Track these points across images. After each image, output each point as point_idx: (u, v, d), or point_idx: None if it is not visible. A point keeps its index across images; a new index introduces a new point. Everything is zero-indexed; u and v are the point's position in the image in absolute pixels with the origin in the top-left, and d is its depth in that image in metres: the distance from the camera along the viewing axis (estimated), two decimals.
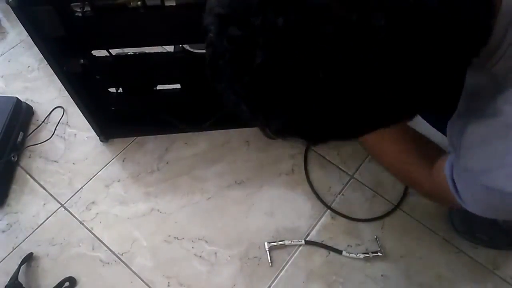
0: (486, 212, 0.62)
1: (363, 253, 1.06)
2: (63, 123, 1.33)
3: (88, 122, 1.17)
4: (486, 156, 0.54)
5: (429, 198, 0.86)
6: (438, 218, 1.11)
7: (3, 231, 1.14)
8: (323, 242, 1.09)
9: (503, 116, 0.49)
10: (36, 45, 0.87)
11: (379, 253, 1.06)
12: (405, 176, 0.85)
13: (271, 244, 1.08)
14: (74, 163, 1.25)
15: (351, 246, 1.08)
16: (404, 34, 0.38)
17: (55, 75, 0.98)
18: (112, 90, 1.16)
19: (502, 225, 1.04)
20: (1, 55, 1.52)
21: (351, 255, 1.06)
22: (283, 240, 1.08)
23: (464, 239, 1.08)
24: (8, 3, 0.73)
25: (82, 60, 0.98)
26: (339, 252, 1.07)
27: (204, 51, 0.95)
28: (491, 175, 0.53)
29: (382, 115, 0.45)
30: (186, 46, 1.01)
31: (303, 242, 1.08)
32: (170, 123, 1.23)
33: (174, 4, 0.87)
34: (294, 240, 1.08)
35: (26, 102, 1.35)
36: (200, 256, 1.09)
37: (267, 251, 1.07)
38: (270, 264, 1.06)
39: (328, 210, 1.14)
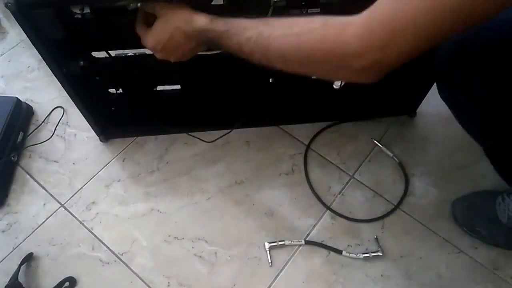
0: None
1: (363, 253, 1.06)
2: (63, 123, 1.33)
3: (88, 122, 1.17)
4: None
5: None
6: (438, 218, 1.12)
7: (3, 231, 1.14)
8: (323, 242, 1.09)
9: None
10: (36, 48, 0.86)
11: (379, 253, 1.06)
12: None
13: (271, 244, 1.08)
14: (74, 163, 1.25)
15: (351, 246, 1.09)
16: None
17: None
18: (112, 90, 1.16)
19: (505, 222, 1.03)
20: (1, 55, 1.52)
21: (351, 255, 1.06)
22: (283, 240, 1.08)
23: (464, 232, 1.08)
24: (7, 7, 0.73)
25: (81, 62, 0.98)
26: (339, 252, 1.07)
27: (204, 52, 0.93)
28: None
29: None
30: None
31: (303, 242, 1.08)
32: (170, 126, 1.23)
33: None
34: (294, 240, 1.08)
35: (26, 102, 1.36)
36: (200, 256, 1.09)
37: (267, 251, 1.07)
38: (270, 264, 1.06)
39: (328, 210, 1.14)
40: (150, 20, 0.80)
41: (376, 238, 1.09)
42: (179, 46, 0.79)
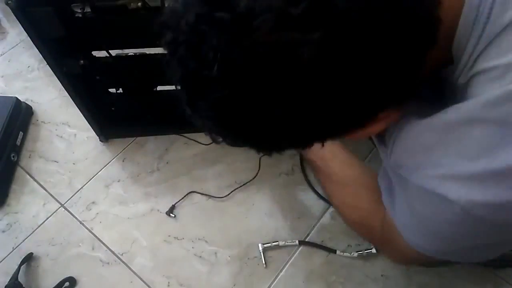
0: (431, 242, 0.55)
1: (357, 251, 1.06)
2: (63, 123, 1.33)
3: (88, 122, 1.17)
4: (415, 150, 0.50)
5: (383, 250, 0.86)
6: None
7: (3, 231, 1.14)
8: (323, 242, 1.09)
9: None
10: (36, 46, 0.86)
11: (372, 250, 1.05)
12: (354, 221, 0.82)
13: (264, 245, 1.07)
14: (74, 163, 1.25)
15: (351, 246, 1.08)
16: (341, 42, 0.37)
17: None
18: (112, 90, 1.16)
19: None
20: (1, 55, 1.52)
21: (345, 254, 1.06)
22: (277, 241, 1.08)
23: None
24: (7, 4, 0.73)
25: (82, 61, 0.98)
26: (333, 251, 1.07)
27: None
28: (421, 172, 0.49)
29: (331, 119, 0.44)
30: None
31: (297, 242, 1.08)
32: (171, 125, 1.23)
33: None
34: (288, 241, 1.08)
35: (26, 102, 1.36)
36: (200, 256, 1.09)
37: (261, 252, 1.07)
38: (265, 265, 1.06)
39: (328, 210, 1.14)
40: None
41: None
42: None
